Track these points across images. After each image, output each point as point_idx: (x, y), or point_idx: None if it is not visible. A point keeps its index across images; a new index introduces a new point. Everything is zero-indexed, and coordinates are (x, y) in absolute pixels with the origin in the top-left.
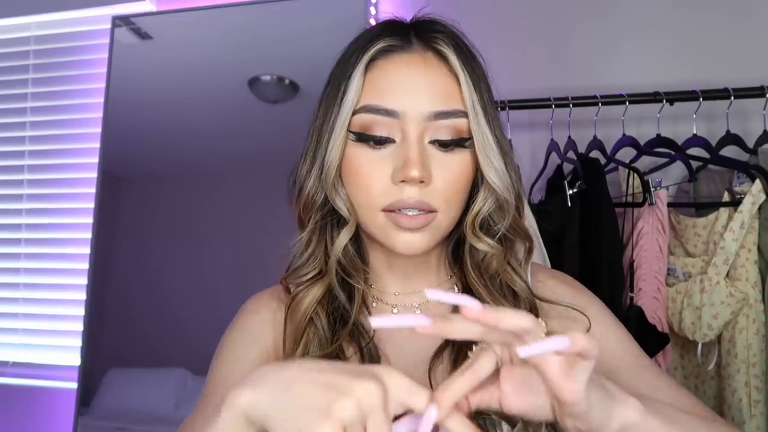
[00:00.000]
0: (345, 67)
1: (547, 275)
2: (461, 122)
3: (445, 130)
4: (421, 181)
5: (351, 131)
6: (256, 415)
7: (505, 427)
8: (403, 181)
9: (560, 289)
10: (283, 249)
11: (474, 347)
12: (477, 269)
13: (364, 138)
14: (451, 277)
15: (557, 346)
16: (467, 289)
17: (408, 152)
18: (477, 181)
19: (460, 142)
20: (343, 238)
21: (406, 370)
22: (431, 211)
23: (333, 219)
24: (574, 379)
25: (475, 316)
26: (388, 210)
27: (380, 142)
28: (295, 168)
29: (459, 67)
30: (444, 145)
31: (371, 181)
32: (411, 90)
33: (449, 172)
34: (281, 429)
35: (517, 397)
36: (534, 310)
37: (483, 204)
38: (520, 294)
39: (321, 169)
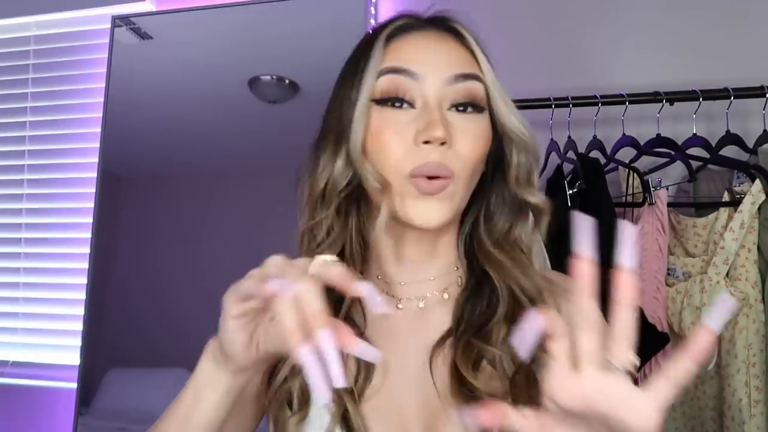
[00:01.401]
0: (363, 49)
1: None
2: (478, 87)
3: (462, 93)
4: (443, 143)
5: (373, 100)
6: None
7: None
8: (426, 142)
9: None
10: (290, 238)
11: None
12: (497, 245)
13: (386, 101)
14: (457, 268)
15: (534, 327)
16: (474, 280)
17: (430, 114)
18: (502, 146)
19: (477, 106)
20: (384, 212)
21: (404, 361)
22: (448, 176)
23: (352, 203)
24: (647, 400)
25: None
26: (412, 177)
27: (401, 103)
28: (309, 157)
29: (474, 43)
30: (462, 109)
31: (394, 144)
32: (429, 56)
33: (469, 134)
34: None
35: None
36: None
37: (517, 157)
38: (535, 264)
39: (346, 146)
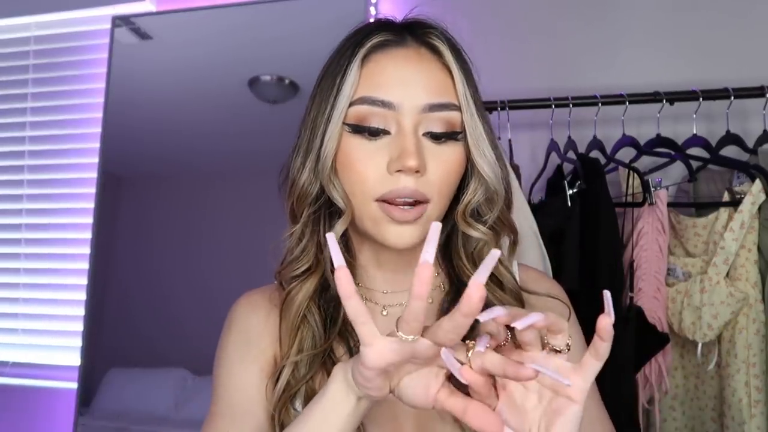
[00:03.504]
0: (340, 61)
1: (536, 275)
2: (454, 115)
3: (438, 122)
4: (417, 171)
5: (347, 123)
6: None
7: None
8: (399, 170)
9: (540, 286)
10: (272, 243)
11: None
12: (470, 259)
13: (360, 129)
14: (438, 274)
15: (532, 320)
16: (455, 285)
17: (404, 143)
18: (467, 173)
19: (453, 135)
20: (339, 228)
21: None
22: (424, 201)
23: (326, 212)
24: (582, 375)
25: (504, 320)
26: (382, 200)
27: (375, 133)
28: (287, 162)
29: (452, 61)
30: (437, 138)
31: (367, 172)
32: (407, 83)
33: (442, 163)
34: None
35: (509, 412)
36: (520, 302)
37: (473, 195)
38: (507, 285)
39: (316, 160)
